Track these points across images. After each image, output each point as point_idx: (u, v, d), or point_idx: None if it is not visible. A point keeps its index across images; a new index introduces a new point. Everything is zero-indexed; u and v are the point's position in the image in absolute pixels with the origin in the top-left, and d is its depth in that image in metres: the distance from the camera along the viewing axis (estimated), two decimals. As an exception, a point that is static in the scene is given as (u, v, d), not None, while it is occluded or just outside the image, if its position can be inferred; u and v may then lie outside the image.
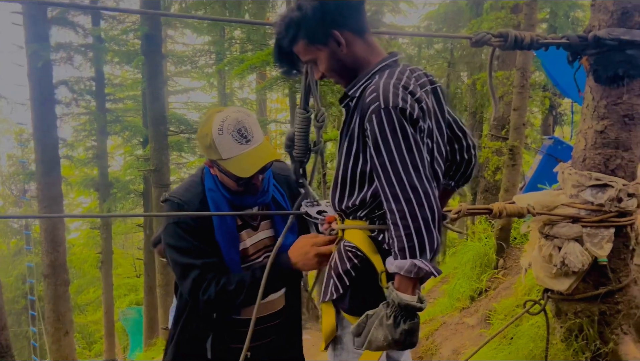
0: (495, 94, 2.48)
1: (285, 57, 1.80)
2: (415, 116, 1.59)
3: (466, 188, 13.24)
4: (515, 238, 5.83)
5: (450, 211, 2.56)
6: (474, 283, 5.47)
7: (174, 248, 2.05)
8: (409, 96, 1.60)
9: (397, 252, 1.55)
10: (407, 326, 1.56)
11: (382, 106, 1.56)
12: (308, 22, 1.67)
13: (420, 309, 1.59)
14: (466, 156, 2.00)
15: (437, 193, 1.59)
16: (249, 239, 2.13)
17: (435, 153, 1.75)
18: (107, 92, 15.20)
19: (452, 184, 2.08)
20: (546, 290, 2.78)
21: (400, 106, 1.56)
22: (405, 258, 1.54)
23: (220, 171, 2.01)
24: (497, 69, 7.69)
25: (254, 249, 2.14)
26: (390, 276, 1.65)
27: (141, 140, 15.36)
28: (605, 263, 2.54)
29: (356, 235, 1.79)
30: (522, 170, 6.13)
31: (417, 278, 1.57)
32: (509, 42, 2.39)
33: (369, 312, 1.63)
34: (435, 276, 1.63)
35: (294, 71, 1.86)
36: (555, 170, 2.80)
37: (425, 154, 1.61)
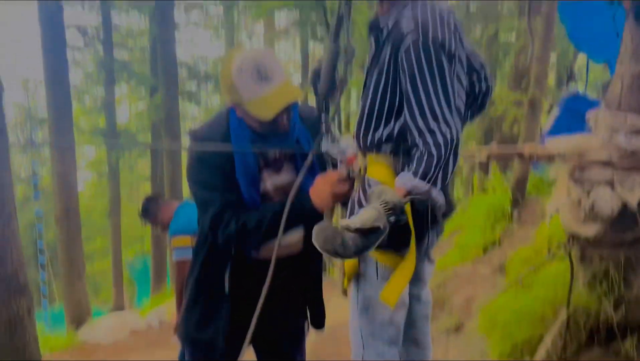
0: (532, 33, 2.41)
1: None
2: (453, 50, 1.57)
3: (475, 142, 13.19)
4: (529, 192, 5.82)
5: (480, 151, 2.54)
6: (488, 234, 5.48)
7: (195, 182, 2.06)
8: (446, 28, 1.56)
9: (419, 173, 1.57)
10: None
11: (421, 39, 1.54)
12: None
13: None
14: (483, 87, 1.96)
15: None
16: (270, 180, 2.11)
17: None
18: (115, 40, 15.00)
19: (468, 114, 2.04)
20: (572, 236, 2.77)
21: (440, 39, 1.54)
22: (423, 182, 1.56)
23: (244, 112, 1.98)
24: (520, 20, 7.49)
25: (275, 190, 2.12)
26: None
27: (147, 90, 15.27)
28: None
29: (381, 170, 1.77)
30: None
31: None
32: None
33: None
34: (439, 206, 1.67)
35: None
36: (587, 116, 2.75)
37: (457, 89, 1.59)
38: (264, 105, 1.88)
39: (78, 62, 14.28)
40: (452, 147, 1.55)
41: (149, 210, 3.72)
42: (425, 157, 1.56)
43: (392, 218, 1.55)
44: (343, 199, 1.93)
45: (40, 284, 16.53)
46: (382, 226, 1.53)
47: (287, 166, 2.15)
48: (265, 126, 1.96)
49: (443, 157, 1.54)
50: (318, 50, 14.33)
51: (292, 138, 2.10)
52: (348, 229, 1.54)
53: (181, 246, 3.36)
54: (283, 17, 12.17)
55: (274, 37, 11.42)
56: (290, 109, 1.98)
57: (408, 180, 1.60)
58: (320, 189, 1.93)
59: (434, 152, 1.54)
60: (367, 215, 1.56)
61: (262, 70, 1.87)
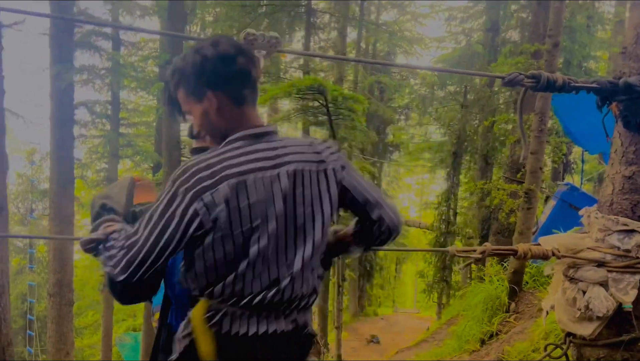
0: (525, 134, 2.51)
1: (173, 99, 1.77)
2: (188, 200, 1.51)
3: (472, 230, 13.21)
4: (527, 283, 5.79)
5: (475, 250, 2.57)
6: (485, 326, 5.41)
7: None
8: (197, 182, 1.52)
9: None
10: None
11: (170, 180, 1.55)
12: (187, 74, 1.65)
13: None
14: (377, 233, 1.84)
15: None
16: None
17: (259, 246, 1.57)
18: (122, 117, 15.37)
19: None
20: (568, 334, 2.74)
21: (177, 186, 1.53)
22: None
23: None
24: (515, 113, 7.74)
25: None
26: None
27: (152, 165, 15.46)
28: (630, 310, 2.51)
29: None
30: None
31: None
32: (541, 83, 2.43)
33: None
34: None
35: (180, 115, 1.79)
36: (580, 213, 2.80)
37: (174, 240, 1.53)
38: None
39: (84, 137, 14.57)
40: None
41: None
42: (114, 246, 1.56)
43: None
44: None
45: (27, 358, 16.08)
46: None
47: None
48: None
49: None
50: (319, 135, 14.68)
51: None
52: None
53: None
54: (286, 101, 12.56)
55: (277, 120, 11.74)
56: None
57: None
58: None
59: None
60: None
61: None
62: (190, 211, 1.50)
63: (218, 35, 1.73)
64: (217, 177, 1.52)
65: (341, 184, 1.71)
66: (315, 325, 14.06)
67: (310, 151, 1.67)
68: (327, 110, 7.50)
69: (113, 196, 1.82)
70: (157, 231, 1.51)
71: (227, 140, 1.63)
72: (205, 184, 1.50)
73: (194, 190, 1.50)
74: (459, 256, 2.40)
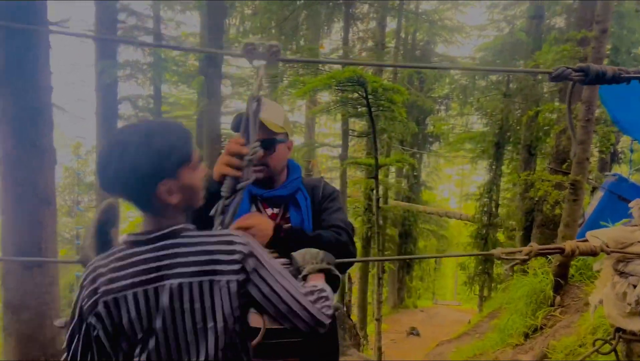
0: (574, 129, 2.44)
1: None
2: (84, 305, 1.52)
3: (515, 223, 12.98)
4: (572, 275, 5.67)
5: (520, 251, 2.52)
6: (529, 319, 5.32)
7: None
8: (85, 299, 1.52)
9: None
10: None
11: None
12: None
13: None
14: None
15: None
16: None
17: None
18: (163, 110, 15.64)
19: None
20: (618, 329, 2.68)
21: (77, 300, 1.54)
22: None
23: None
24: (561, 102, 7.55)
25: None
26: None
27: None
28: (683, 305, 2.44)
29: None
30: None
31: None
32: (590, 76, 2.36)
33: None
34: None
35: None
36: (630, 205, 2.73)
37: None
38: None
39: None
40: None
41: None
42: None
43: None
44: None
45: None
46: None
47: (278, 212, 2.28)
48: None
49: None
50: (358, 126, 14.66)
51: (286, 190, 2.24)
52: None
53: None
54: (325, 93, 12.59)
55: (317, 112, 11.73)
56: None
57: None
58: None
59: None
60: None
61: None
62: (89, 330, 1.51)
63: (143, 142, 1.47)
64: (97, 295, 1.49)
65: (246, 295, 1.55)
66: (354, 317, 14.07)
67: (205, 260, 1.51)
68: (367, 102, 7.48)
69: (87, 252, 1.81)
70: (78, 356, 1.53)
71: (123, 240, 1.57)
72: (89, 303, 1.50)
73: (83, 310, 1.51)
74: (504, 259, 2.34)
